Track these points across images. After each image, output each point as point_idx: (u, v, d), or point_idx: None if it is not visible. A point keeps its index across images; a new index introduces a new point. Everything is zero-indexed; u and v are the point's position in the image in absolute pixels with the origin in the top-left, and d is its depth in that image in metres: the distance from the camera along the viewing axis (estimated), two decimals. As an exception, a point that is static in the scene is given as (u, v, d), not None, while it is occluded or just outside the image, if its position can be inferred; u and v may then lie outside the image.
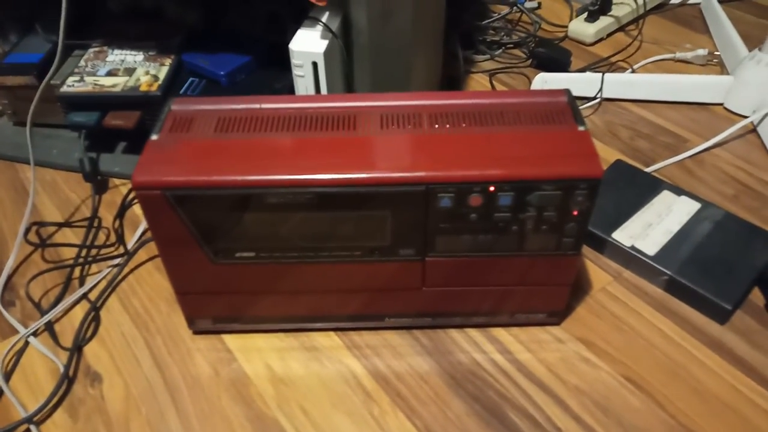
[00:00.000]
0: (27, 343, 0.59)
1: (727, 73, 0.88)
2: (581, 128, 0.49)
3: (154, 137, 0.49)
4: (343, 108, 0.52)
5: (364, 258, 0.51)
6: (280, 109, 0.52)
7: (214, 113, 0.52)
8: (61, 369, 0.56)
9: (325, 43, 0.63)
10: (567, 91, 0.53)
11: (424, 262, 0.52)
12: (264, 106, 0.52)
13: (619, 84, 0.85)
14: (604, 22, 0.97)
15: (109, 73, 0.74)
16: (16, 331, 0.60)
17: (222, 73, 0.74)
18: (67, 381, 0.55)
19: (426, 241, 0.50)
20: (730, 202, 0.70)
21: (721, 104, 0.84)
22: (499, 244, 0.50)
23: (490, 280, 0.53)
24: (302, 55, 0.64)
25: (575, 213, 0.48)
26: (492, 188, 0.46)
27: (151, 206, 0.47)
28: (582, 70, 0.91)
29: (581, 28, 0.97)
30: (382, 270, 0.52)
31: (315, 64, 0.64)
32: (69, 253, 0.67)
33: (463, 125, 0.50)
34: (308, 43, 0.63)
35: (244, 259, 0.51)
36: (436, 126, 0.49)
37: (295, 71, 0.66)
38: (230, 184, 0.46)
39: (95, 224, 0.70)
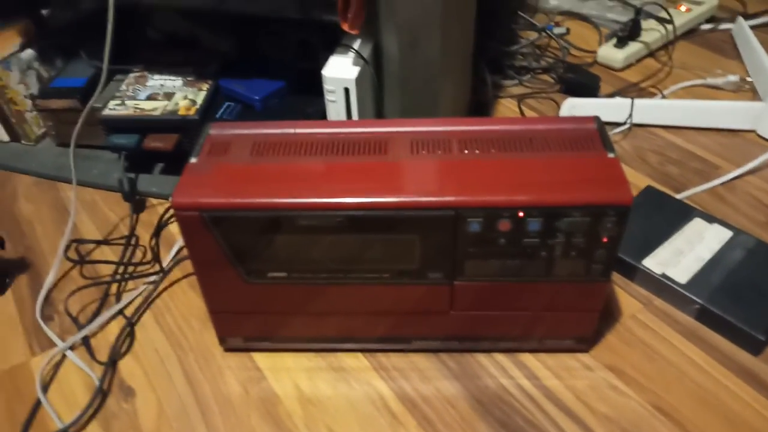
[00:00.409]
0: (64, 357, 0.61)
1: (760, 100, 0.87)
2: (611, 155, 0.49)
3: (193, 160, 0.51)
4: (374, 133, 0.53)
5: (392, 281, 0.52)
6: (313, 134, 0.53)
7: (249, 137, 0.53)
8: (96, 383, 0.57)
9: (357, 69, 0.65)
10: (596, 118, 0.53)
11: (453, 285, 0.52)
12: (298, 131, 0.54)
13: (649, 109, 0.85)
14: (633, 47, 0.98)
15: (149, 98, 0.77)
16: (54, 345, 0.62)
17: (257, 97, 0.76)
18: (101, 395, 0.57)
19: (454, 265, 0.51)
20: (762, 229, 0.69)
21: (753, 131, 0.83)
22: (528, 269, 0.50)
23: (518, 305, 0.53)
24: (335, 81, 0.66)
25: (605, 240, 0.48)
26: (521, 214, 0.47)
27: (189, 226, 0.49)
28: (611, 96, 0.91)
29: (610, 54, 0.97)
30: (410, 293, 0.53)
31: (347, 90, 0.66)
32: (106, 270, 0.69)
33: (493, 151, 0.50)
34: (340, 70, 0.65)
35: (275, 279, 0.52)
36: (466, 151, 0.50)
37: (328, 96, 0.67)
38: (264, 207, 0.47)
39: (132, 242, 0.72)
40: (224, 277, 0.52)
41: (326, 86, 0.66)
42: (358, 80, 0.65)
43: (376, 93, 0.70)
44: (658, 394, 0.54)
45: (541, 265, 0.50)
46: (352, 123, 0.55)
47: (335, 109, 0.68)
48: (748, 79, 0.91)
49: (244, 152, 0.52)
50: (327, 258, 0.51)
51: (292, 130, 0.54)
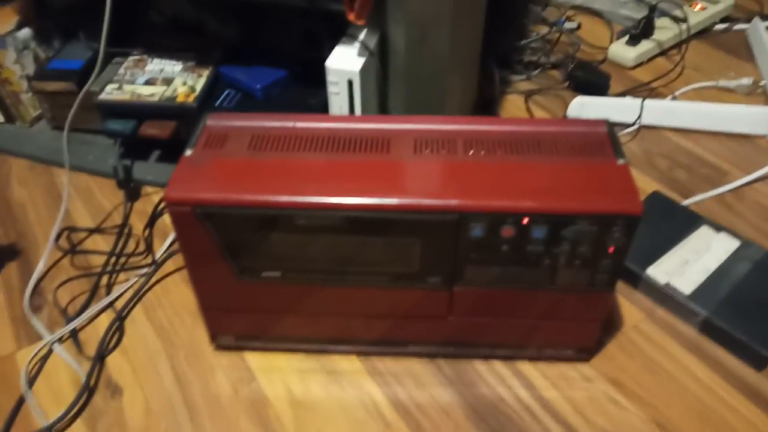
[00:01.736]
0: (51, 350, 0.59)
1: (773, 105, 0.85)
2: (620, 161, 0.47)
3: (188, 152, 0.49)
4: (376, 130, 0.51)
5: (390, 284, 0.50)
6: (314, 129, 0.51)
7: (248, 130, 0.51)
8: (83, 379, 0.56)
9: (361, 61, 0.63)
10: (607, 122, 0.51)
11: (452, 291, 0.50)
12: (298, 124, 0.52)
13: (659, 111, 0.83)
14: (645, 46, 0.95)
15: (148, 83, 0.75)
16: (41, 337, 0.60)
17: (258, 86, 0.74)
18: (88, 391, 0.55)
19: (454, 270, 0.49)
20: (771, 241, 0.67)
21: (765, 137, 0.81)
22: (530, 277, 0.49)
23: (518, 312, 0.52)
24: (338, 72, 0.63)
25: (611, 250, 0.46)
26: (526, 220, 0.45)
27: (182, 222, 0.47)
28: (621, 95, 0.89)
29: (622, 52, 0.95)
30: (407, 297, 0.51)
31: (350, 83, 0.64)
32: (98, 261, 0.68)
33: (499, 153, 0.49)
34: (344, 61, 0.63)
35: (269, 278, 0.51)
36: (471, 152, 0.49)
37: (330, 88, 0.65)
38: (260, 204, 0.46)
39: (125, 232, 0.71)
40: (217, 274, 0.51)
41: (329, 78, 0.64)
42: (363, 72, 0.63)
43: (381, 86, 0.68)
44: (659, 409, 0.53)
45: (544, 274, 0.48)
46: (354, 118, 0.53)
47: (338, 101, 0.66)
48: (762, 82, 0.89)
49: (241, 146, 0.50)
50: (323, 258, 0.49)
51: (291, 124, 0.52)
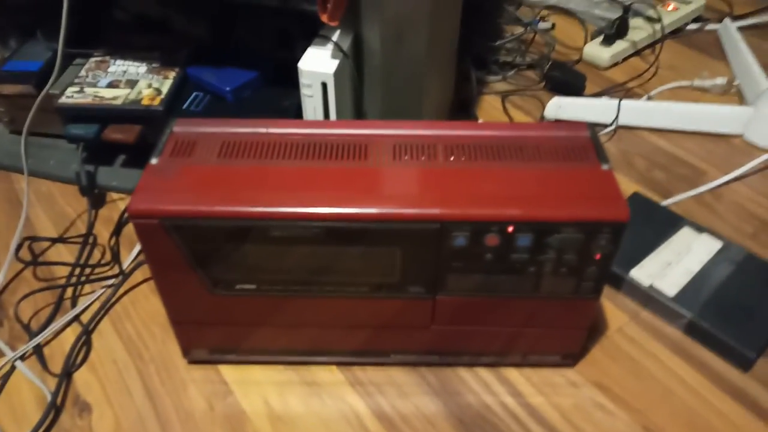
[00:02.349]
0: (14, 368, 0.56)
1: (746, 104, 0.86)
2: (605, 167, 0.46)
3: (154, 161, 0.47)
4: (353, 136, 0.49)
5: (370, 294, 0.48)
6: (288, 135, 0.49)
7: (218, 137, 0.49)
8: (49, 397, 0.53)
9: (335, 63, 0.61)
10: (589, 126, 0.50)
11: (434, 300, 0.49)
12: (271, 130, 0.50)
13: (636, 111, 0.83)
14: (620, 46, 0.95)
15: (111, 85, 0.72)
16: (3, 354, 0.57)
17: (228, 88, 0.72)
18: (54, 410, 0.53)
19: (437, 280, 0.47)
20: (750, 240, 0.67)
21: (740, 136, 0.82)
22: (514, 285, 0.47)
23: (503, 321, 0.50)
24: (311, 75, 0.61)
25: (597, 257, 0.45)
26: (510, 229, 0.44)
27: (148, 235, 0.44)
28: (597, 95, 0.88)
29: (596, 52, 0.95)
30: (389, 307, 0.49)
31: (324, 85, 0.62)
32: (62, 272, 0.64)
33: (480, 159, 0.47)
34: (318, 63, 0.61)
35: (244, 291, 0.48)
36: (452, 158, 0.47)
37: (304, 91, 0.63)
38: (233, 215, 0.43)
39: (90, 241, 0.67)
40: (188, 287, 0.48)
41: (302, 80, 0.62)
42: (337, 75, 0.61)
43: (356, 89, 0.66)
44: (646, 414, 0.52)
45: (529, 281, 0.47)
46: (329, 124, 0.51)
47: (312, 104, 0.64)
48: (735, 82, 0.89)
49: (211, 153, 0.47)
50: (300, 269, 0.47)
51: (264, 130, 0.50)
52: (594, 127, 0.50)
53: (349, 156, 0.47)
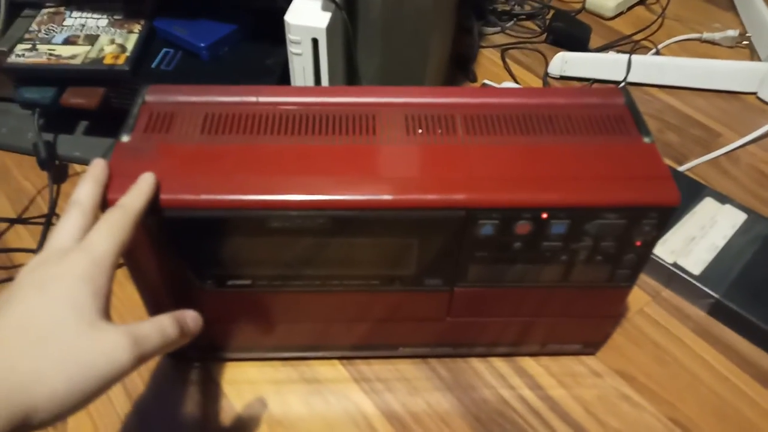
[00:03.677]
0: (-27, 371, 0.49)
1: (759, 58, 0.81)
2: (646, 140, 0.41)
3: (125, 138, 0.40)
4: (358, 105, 0.43)
5: (382, 288, 0.43)
6: (282, 104, 0.42)
7: (199, 108, 0.42)
8: (15, 406, 0.47)
9: (327, 16, 0.53)
10: (625, 91, 0.44)
11: (452, 292, 0.44)
12: (261, 99, 0.43)
13: (645, 67, 0.77)
14: (625, -7, 0.88)
15: (67, 41, 0.63)
16: (-40, 355, 0.50)
17: (202, 44, 0.63)
18: (22, 420, 0.47)
19: (457, 271, 0.42)
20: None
21: (754, 93, 0.77)
22: (543, 274, 0.42)
23: (525, 311, 0.46)
24: (300, 29, 0.54)
25: (638, 243, 0.40)
26: (545, 215, 0.38)
27: (123, 229, 0.38)
28: (603, 49, 0.82)
29: (601, 1, 0.88)
30: (402, 300, 0.44)
31: (315, 41, 0.54)
32: (23, 259, 0.57)
33: (506, 132, 0.41)
34: (308, 16, 0.53)
35: (238, 287, 0.42)
36: (474, 133, 0.41)
37: (292, 48, 0.56)
38: (225, 205, 0.37)
39: (53, 221, 0.60)
40: (172, 286, 0.42)
41: (290, 36, 0.54)
42: (329, 29, 0.54)
43: (350, 45, 0.58)
44: (673, 404, 0.48)
45: (558, 271, 0.42)
46: (329, 91, 0.45)
47: (300, 63, 0.57)
48: (747, 34, 0.84)
49: (193, 128, 0.40)
50: (302, 263, 0.41)
51: (254, 98, 0.43)
52: (629, 92, 0.44)
53: (355, 131, 0.41)
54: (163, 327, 0.33)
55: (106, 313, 0.31)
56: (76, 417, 0.47)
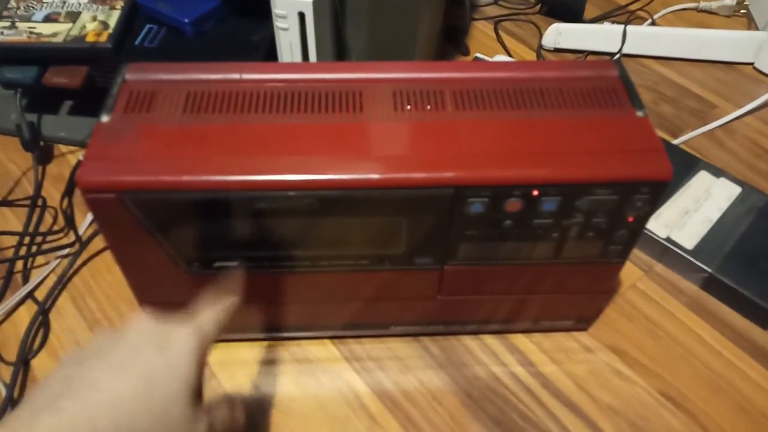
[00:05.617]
0: (-39, 356, 0.49)
1: (756, 28, 0.79)
2: (639, 113, 0.40)
3: (104, 118, 0.39)
4: (345, 81, 0.42)
5: (371, 267, 0.42)
6: (266, 82, 0.41)
7: (181, 86, 0.41)
8: (4, 391, 0.47)
9: (314, -12, 0.52)
10: (618, 63, 0.43)
11: (443, 270, 0.43)
12: (245, 76, 0.42)
13: (640, 38, 0.76)
14: (619, -38, 0.86)
15: (48, 18, 0.61)
16: (-52, 341, 0.50)
17: (186, 20, 0.61)
18: (11, 404, 0.46)
19: (447, 249, 0.41)
20: (765, 180, 0.63)
21: (751, 63, 0.76)
22: (534, 251, 0.42)
23: (517, 288, 0.45)
24: (286, 3, 0.52)
25: (630, 219, 0.40)
26: (535, 192, 0.37)
27: (105, 212, 0.37)
28: (598, 20, 0.81)
29: (595, -31, 0.86)
30: (392, 280, 0.44)
31: (302, 15, 0.53)
32: (9, 241, 0.56)
33: (496, 108, 0.40)
34: (294, -11, 0.52)
35: (224, 269, 0.42)
36: (463, 109, 0.40)
37: (278, 23, 0.54)
38: (208, 187, 0.36)
39: (39, 203, 0.59)
40: (157, 268, 0.41)
41: (276, 10, 0.53)
42: (316, 3, 0.52)
43: (337, 19, 0.57)
44: (665, 378, 0.48)
45: (549, 247, 0.42)
46: (314, 67, 0.43)
47: (287, 38, 0.55)
48: (745, 2, 0.82)
49: (175, 107, 0.39)
50: (288, 244, 0.40)
51: (237, 75, 0.42)
52: (623, 65, 0.43)
53: (341, 108, 0.40)
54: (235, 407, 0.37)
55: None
56: (66, 400, 0.46)
